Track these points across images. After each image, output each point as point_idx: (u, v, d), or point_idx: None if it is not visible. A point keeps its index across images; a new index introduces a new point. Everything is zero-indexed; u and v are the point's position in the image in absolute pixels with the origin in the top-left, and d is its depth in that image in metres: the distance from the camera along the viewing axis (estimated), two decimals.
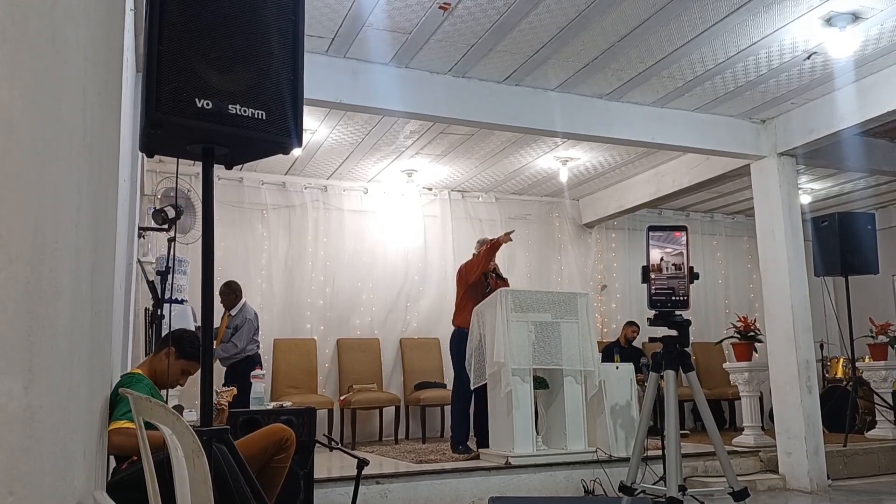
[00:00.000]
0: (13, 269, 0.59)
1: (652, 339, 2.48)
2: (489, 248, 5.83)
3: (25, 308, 0.66)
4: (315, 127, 6.22)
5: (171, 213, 4.55)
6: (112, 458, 2.73)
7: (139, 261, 4.71)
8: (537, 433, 5.34)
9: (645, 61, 4.93)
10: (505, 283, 6.01)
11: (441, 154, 7.13)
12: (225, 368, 6.16)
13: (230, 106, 2.20)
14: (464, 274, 5.97)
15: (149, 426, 1.88)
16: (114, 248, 2.14)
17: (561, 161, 7.35)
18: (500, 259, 7.86)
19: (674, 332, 2.39)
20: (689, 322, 2.46)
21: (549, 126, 5.39)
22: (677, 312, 2.43)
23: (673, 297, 2.41)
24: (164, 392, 3.12)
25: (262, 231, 7.66)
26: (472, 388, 5.54)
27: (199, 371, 2.37)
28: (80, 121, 1.11)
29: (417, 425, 7.52)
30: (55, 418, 0.94)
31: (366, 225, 8.09)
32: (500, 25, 4.39)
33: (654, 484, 4.04)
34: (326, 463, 5.33)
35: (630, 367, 5.84)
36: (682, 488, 2.36)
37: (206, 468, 1.69)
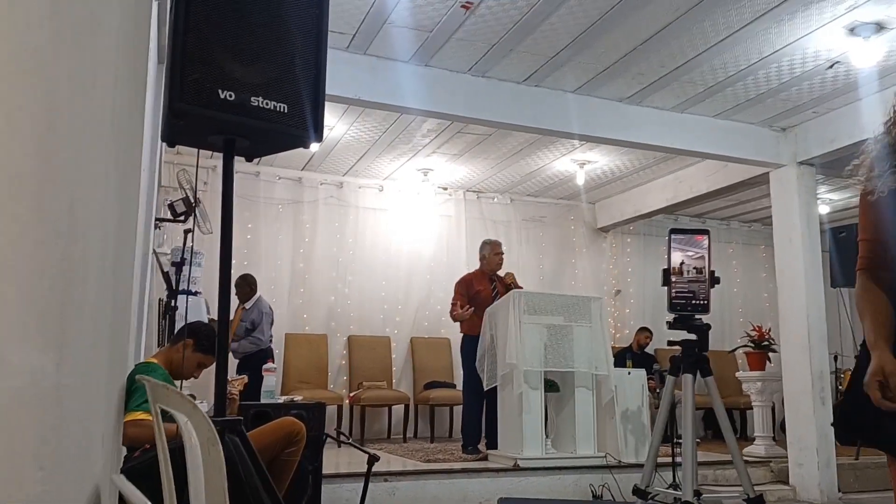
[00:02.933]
0: (53, 246, 0.59)
1: (670, 343, 2.46)
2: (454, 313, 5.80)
3: (60, 286, 0.66)
4: (333, 123, 6.23)
5: (181, 207, 4.57)
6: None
7: (154, 251, 4.73)
8: (547, 436, 5.32)
9: (666, 66, 4.91)
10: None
11: (458, 154, 7.13)
12: (238, 361, 6.19)
13: (252, 98, 2.20)
14: (462, 290, 5.92)
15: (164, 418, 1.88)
16: (134, 235, 2.15)
17: (578, 164, 7.32)
18: (515, 262, 7.86)
19: (693, 336, 2.38)
20: (709, 326, 2.44)
21: (568, 128, 5.37)
22: (697, 316, 2.41)
23: (693, 301, 2.39)
24: (178, 383, 3.13)
25: (277, 226, 7.68)
26: (484, 388, 5.52)
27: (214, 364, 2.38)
28: (110, 105, 1.12)
29: (426, 424, 7.52)
30: (80, 400, 0.95)
31: (380, 223, 8.09)
32: (522, 26, 4.38)
33: (666, 488, 4.02)
34: (335, 459, 5.33)
35: (642, 373, 5.81)
36: (698, 493, 2.35)
37: (220, 457, 1.68)
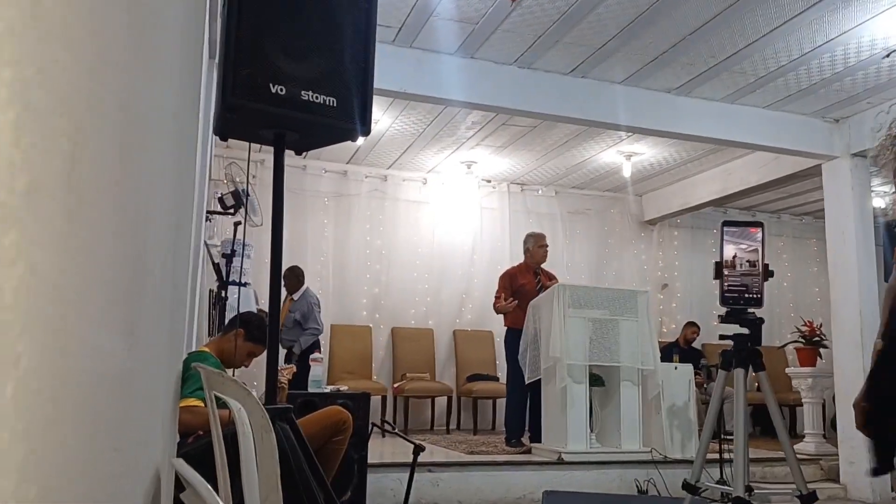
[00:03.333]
0: (129, 238, 0.61)
1: (722, 337, 2.43)
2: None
3: (133, 275, 0.69)
4: (378, 116, 6.27)
5: (230, 200, 4.65)
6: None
7: (205, 243, 4.83)
8: (591, 430, 5.29)
9: (716, 56, 4.82)
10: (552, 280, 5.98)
11: (502, 146, 7.11)
12: (286, 351, 6.29)
13: (303, 92, 2.23)
14: (506, 284, 5.92)
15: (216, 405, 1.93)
16: (191, 226, 2.21)
17: (625, 156, 7.24)
18: (559, 255, 7.82)
19: (745, 330, 2.34)
20: (761, 320, 2.40)
21: (614, 120, 5.32)
22: (750, 310, 2.37)
23: (746, 295, 2.35)
24: (229, 371, 3.19)
25: (323, 218, 7.77)
26: (526, 382, 5.51)
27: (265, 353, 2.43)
28: (172, 97, 1.15)
29: (469, 417, 7.54)
30: (145, 384, 0.98)
31: (423, 216, 8.12)
32: (569, 16, 4.34)
33: (714, 484, 3.96)
34: (379, 449, 5.39)
35: (689, 367, 5.73)
36: (749, 489, 2.31)
37: (273, 444, 1.72)
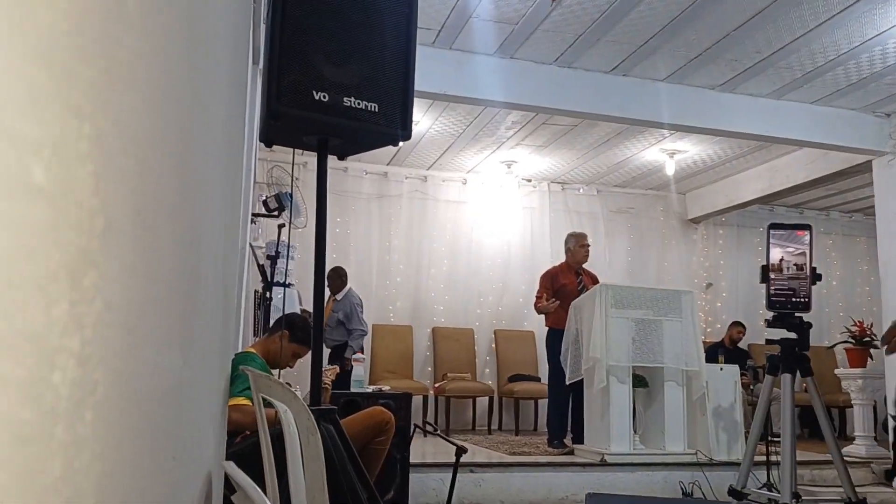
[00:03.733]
0: (185, 255, 0.64)
1: (769, 342, 2.39)
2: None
3: (188, 289, 0.71)
4: (418, 118, 6.30)
5: (274, 203, 4.72)
6: None
7: (251, 245, 4.92)
8: (635, 432, 5.24)
9: (762, 51, 4.73)
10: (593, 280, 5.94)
11: (542, 145, 7.08)
12: (329, 350, 6.37)
13: (345, 98, 2.25)
14: (547, 283, 5.90)
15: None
16: (239, 233, 2.26)
17: (668, 153, 7.15)
18: (601, 255, 7.76)
19: (792, 335, 2.30)
20: (809, 325, 2.35)
21: (657, 117, 5.26)
22: (797, 314, 2.33)
23: (793, 299, 2.30)
24: (275, 372, 3.25)
25: (364, 219, 7.84)
26: (567, 382, 5.49)
27: (310, 354, 2.46)
28: (221, 107, 1.18)
29: (511, 417, 7.53)
30: (198, 391, 1.01)
31: (463, 216, 8.13)
32: (610, 14, 4.31)
33: (760, 488, 3.90)
34: (420, 449, 5.42)
35: (735, 368, 5.63)
36: (796, 495, 2.27)
37: (319, 446, 1.75)
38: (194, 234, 0.72)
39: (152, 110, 0.41)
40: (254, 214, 4.90)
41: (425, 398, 7.26)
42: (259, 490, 1.29)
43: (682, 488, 4.98)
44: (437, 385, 7.38)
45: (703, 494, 4.91)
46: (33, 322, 0.23)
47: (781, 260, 2.31)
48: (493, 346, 7.99)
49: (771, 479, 4.69)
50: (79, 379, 0.28)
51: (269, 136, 2.43)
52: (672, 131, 6.27)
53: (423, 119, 6.37)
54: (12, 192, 0.21)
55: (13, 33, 0.20)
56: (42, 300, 0.24)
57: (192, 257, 0.75)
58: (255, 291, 5.19)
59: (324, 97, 2.20)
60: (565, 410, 5.72)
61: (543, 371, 6.89)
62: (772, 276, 2.33)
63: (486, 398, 7.44)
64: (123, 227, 0.34)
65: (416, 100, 2.57)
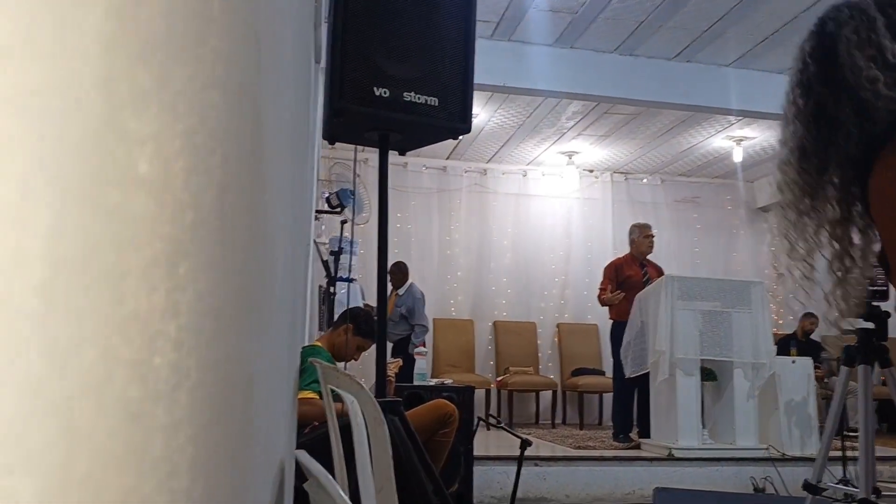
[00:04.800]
0: (260, 249, 0.66)
1: (846, 332, 2.31)
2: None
3: (263, 282, 0.74)
4: (477, 111, 6.30)
5: (336, 199, 4.80)
6: None
7: (315, 241, 5.01)
8: (703, 426, 5.14)
9: None
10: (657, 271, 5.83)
11: (604, 135, 6.99)
12: (392, 344, 6.44)
13: (405, 94, 2.27)
14: (611, 275, 5.81)
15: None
16: (307, 228, 2.31)
17: (735, 140, 6.96)
18: (666, 246, 7.61)
19: (870, 325, 2.22)
20: (888, 314, 2.26)
21: (724, 104, 5.13)
22: (875, 303, 2.24)
23: (870, 287, 2.22)
24: (340, 364, 3.31)
25: (425, 214, 7.89)
26: (626, 376, 5.41)
27: (374, 346, 2.51)
28: (288, 105, 1.21)
29: (574, 411, 7.48)
30: (271, 381, 1.04)
31: (523, 208, 8.10)
32: (673, 0, 4.22)
33: (836, 484, 3.77)
34: (484, 442, 5.43)
35: (808, 361, 5.46)
36: (876, 490, 2.19)
37: (386, 435, 1.78)
38: (268, 229, 0.74)
39: (230, 108, 0.43)
40: (317, 211, 4.99)
41: (487, 392, 7.27)
42: (331, 478, 1.32)
43: (753, 484, 4.86)
44: (499, 379, 7.38)
45: (776, 490, 4.78)
46: (138, 307, 0.25)
47: None
48: (556, 339, 7.94)
49: (847, 475, 4.53)
50: (175, 363, 0.29)
51: (332, 133, 2.47)
52: (739, 118, 6.10)
53: (481, 112, 6.36)
54: (123, 184, 0.22)
55: (124, 33, 0.22)
56: (145, 286, 0.25)
57: (267, 251, 0.77)
58: (320, 287, 5.29)
59: (385, 93, 2.23)
60: (631, 404, 5.65)
61: (608, 364, 6.82)
62: None
63: (550, 392, 7.40)
64: (209, 220, 0.36)
65: (475, 92, 2.58)
